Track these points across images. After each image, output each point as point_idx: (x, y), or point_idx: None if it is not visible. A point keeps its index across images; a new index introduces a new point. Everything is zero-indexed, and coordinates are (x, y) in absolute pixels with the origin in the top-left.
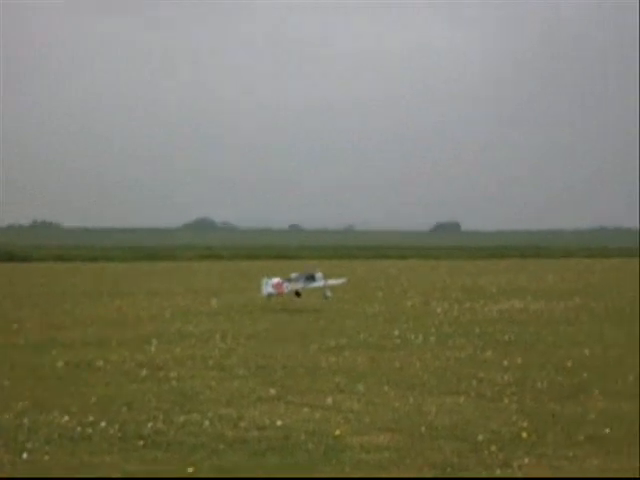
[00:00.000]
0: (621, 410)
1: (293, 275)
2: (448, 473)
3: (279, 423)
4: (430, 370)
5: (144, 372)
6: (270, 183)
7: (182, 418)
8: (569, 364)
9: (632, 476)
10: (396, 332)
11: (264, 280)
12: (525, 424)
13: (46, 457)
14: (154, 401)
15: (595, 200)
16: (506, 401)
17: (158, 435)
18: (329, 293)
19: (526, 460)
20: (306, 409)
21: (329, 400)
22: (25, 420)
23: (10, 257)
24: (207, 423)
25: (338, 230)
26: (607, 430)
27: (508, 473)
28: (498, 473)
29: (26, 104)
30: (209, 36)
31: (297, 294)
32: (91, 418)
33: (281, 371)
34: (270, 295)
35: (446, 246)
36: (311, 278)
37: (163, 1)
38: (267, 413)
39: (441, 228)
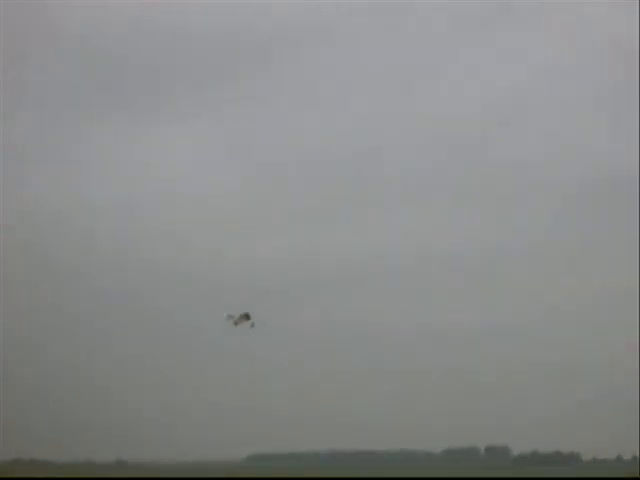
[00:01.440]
0: None
1: (240, 314)
2: None
3: None
4: None
5: None
6: None
7: None
8: None
9: (632, 476)
10: None
11: (226, 315)
12: None
13: None
14: None
15: None
16: None
17: None
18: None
19: None
20: None
21: None
22: None
23: None
24: None
25: None
26: None
27: None
28: None
29: None
30: None
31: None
32: None
33: None
34: (235, 323)
35: None
36: (248, 316)
37: None
38: None
39: None
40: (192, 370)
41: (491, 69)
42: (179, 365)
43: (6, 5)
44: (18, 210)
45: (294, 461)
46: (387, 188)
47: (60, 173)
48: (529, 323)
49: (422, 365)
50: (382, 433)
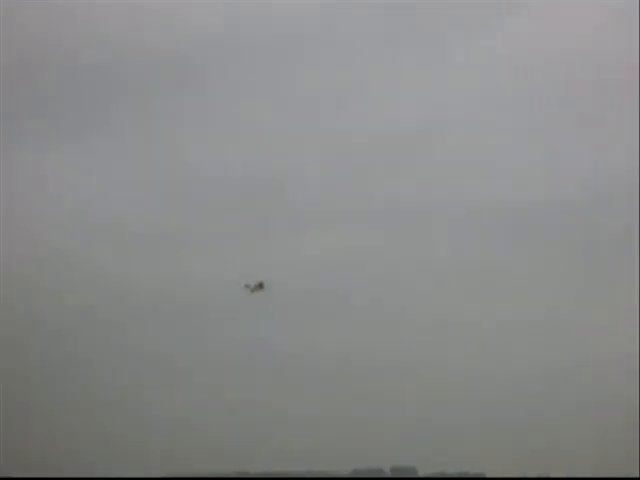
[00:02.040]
0: None
1: (255, 283)
2: None
3: None
4: None
5: None
6: None
7: None
8: None
9: (632, 476)
10: None
11: (244, 284)
12: None
13: None
14: None
15: None
16: None
17: None
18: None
19: None
20: None
21: None
22: None
23: None
24: None
25: None
26: None
27: None
28: None
29: None
30: None
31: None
32: None
33: None
34: (251, 291)
35: None
36: (262, 285)
37: None
38: None
39: None
40: None
41: (413, 85)
42: None
43: None
44: None
45: None
46: (300, 208)
47: None
48: (434, 345)
49: (326, 386)
50: (288, 454)
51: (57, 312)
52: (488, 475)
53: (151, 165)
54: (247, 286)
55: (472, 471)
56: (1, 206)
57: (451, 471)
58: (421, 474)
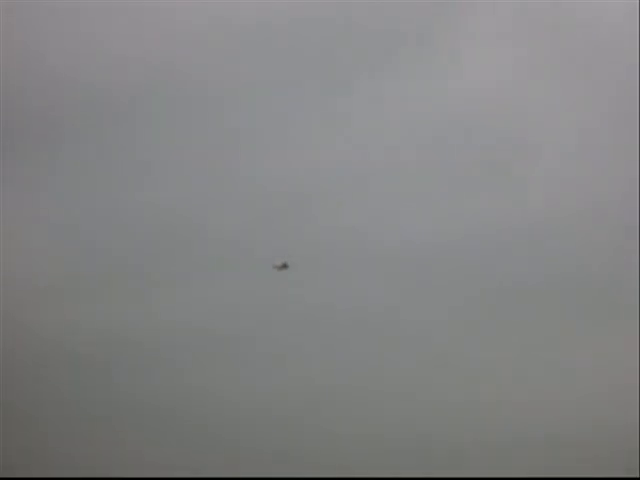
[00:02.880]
0: None
1: (281, 262)
2: None
3: None
4: None
5: None
6: None
7: None
8: None
9: (632, 476)
10: None
11: (272, 265)
12: None
13: None
14: None
15: None
16: None
17: None
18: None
19: None
20: None
21: None
22: None
23: None
24: None
25: None
26: None
27: None
28: None
29: None
30: None
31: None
32: None
33: None
34: (279, 269)
35: None
36: (286, 265)
37: None
38: None
39: None
40: None
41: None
42: None
43: None
44: None
45: None
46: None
47: None
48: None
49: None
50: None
51: None
52: (488, 475)
53: (79, 207)
54: (275, 266)
55: None
56: None
57: None
58: None
